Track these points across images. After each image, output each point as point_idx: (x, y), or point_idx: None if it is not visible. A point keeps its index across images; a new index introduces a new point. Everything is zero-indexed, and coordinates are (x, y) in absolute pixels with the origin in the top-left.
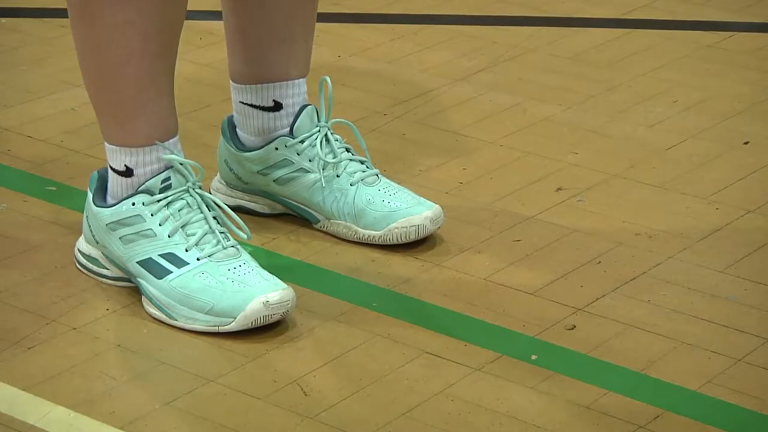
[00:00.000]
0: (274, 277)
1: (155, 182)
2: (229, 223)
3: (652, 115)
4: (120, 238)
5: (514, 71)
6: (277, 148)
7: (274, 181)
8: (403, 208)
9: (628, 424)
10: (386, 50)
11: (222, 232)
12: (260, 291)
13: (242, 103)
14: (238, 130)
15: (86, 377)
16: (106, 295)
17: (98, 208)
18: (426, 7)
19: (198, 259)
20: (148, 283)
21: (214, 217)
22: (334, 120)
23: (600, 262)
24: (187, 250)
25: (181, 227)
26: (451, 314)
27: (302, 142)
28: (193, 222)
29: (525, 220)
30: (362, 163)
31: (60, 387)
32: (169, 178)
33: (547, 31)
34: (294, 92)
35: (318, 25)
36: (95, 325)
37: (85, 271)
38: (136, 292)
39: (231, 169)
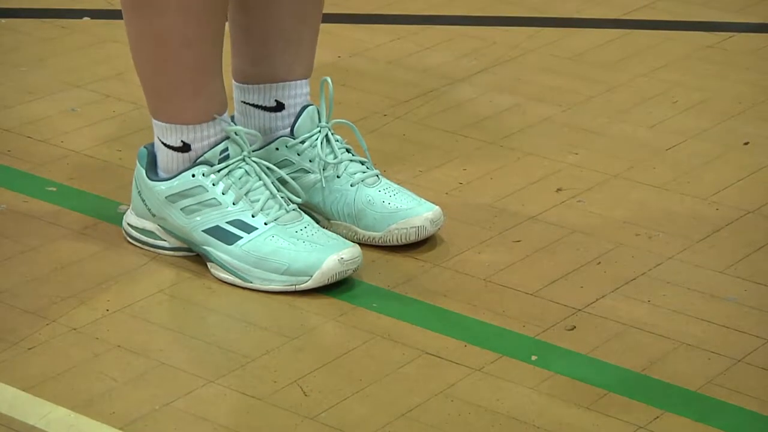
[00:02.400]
0: (338, 235)
1: (214, 153)
2: (282, 187)
3: (652, 115)
4: (181, 209)
5: (514, 72)
6: (277, 149)
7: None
8: (403, 209)
9: (628, 425)
10: (386, 50)
11: (282, 197)
12: (332, 249)
13: (244, 102)
14: None
15: (86, 378)
16: (106, 295)
17: (154, 182)
18: (426, 8)
19: (265, 224)
20: (217, 250)
21: (272, 183)
22: (334, 120)
23: (600, 262)
24: (253, 216)
25: (245, 194)
26: (451, 314)
27: (303, 142)
28: (255, 189)
29: (525, 220)
30: (362, 163)
31: (60, 387)
32: (226, 149)
33: (547, 32)
34: (296, 93)
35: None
36: (95, 325)
37: (139, 245)
38: (137, 292)
39: None
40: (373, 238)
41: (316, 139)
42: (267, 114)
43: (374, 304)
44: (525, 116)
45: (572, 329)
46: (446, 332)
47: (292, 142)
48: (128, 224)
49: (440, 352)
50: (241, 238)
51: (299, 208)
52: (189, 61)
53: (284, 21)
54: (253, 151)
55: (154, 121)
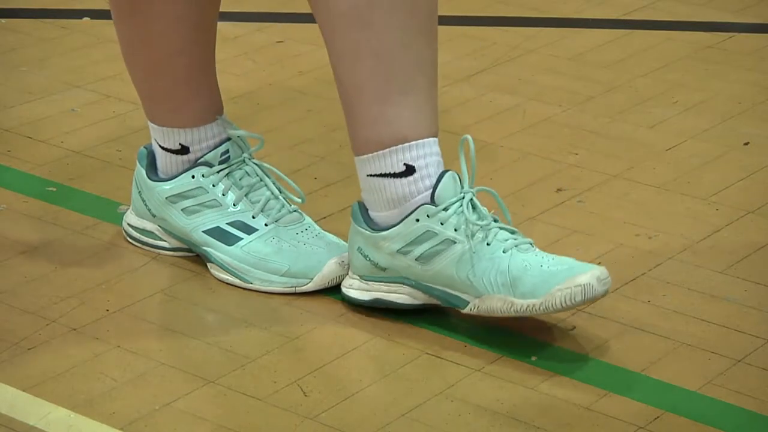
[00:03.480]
0: (339, 239)
1: (215, 155)
2: (284, 189)
3: (652, 115)
4: (182, 210)
5: (515, 72)
6: (418, 220)
7: (416, 259)
8: (565, 269)
9: (628, 425)
10: None
11: (284, 197)
12: (333, 252)
13: (370, 176)
14: (370, 212)
15: (86, 378)
16: (106, 295)
17: (155, 183)
18: None
19: (266, 225)
20: (217, 250)
21: (273, 184)
22: (478, 188)
23: (600, 262)
24: (254, 217)
25: (245, 195)
26: (451, 315)
27: (446, 209)
28: (256, 190)
29: (525, 221)
30: (512, 232)
31: (60, 388)
32: (227, 151)
33: (548, 32)
34: (426, 152)
35: (317, 27)
36: (95, 325)
37: (139, 245)
38: (137, 292)
39: (366, 257)
40: (533, 306)
41: (462, 204)
42: (397, 181)
43: None
44: (525, 116)
45: (572, 329)
46: (446, 332)
47: (434, 210)
48: (128, 224)
49: (440, 352)
50: (242, 239)
51: (297, 212)
52: (182, 67)
53: (395, 68)
54: (389, 229)
55: (151, 124)
